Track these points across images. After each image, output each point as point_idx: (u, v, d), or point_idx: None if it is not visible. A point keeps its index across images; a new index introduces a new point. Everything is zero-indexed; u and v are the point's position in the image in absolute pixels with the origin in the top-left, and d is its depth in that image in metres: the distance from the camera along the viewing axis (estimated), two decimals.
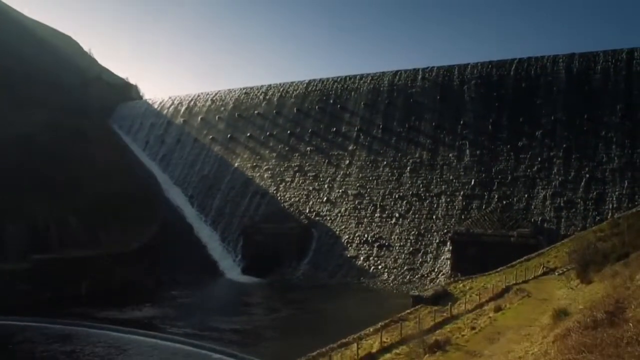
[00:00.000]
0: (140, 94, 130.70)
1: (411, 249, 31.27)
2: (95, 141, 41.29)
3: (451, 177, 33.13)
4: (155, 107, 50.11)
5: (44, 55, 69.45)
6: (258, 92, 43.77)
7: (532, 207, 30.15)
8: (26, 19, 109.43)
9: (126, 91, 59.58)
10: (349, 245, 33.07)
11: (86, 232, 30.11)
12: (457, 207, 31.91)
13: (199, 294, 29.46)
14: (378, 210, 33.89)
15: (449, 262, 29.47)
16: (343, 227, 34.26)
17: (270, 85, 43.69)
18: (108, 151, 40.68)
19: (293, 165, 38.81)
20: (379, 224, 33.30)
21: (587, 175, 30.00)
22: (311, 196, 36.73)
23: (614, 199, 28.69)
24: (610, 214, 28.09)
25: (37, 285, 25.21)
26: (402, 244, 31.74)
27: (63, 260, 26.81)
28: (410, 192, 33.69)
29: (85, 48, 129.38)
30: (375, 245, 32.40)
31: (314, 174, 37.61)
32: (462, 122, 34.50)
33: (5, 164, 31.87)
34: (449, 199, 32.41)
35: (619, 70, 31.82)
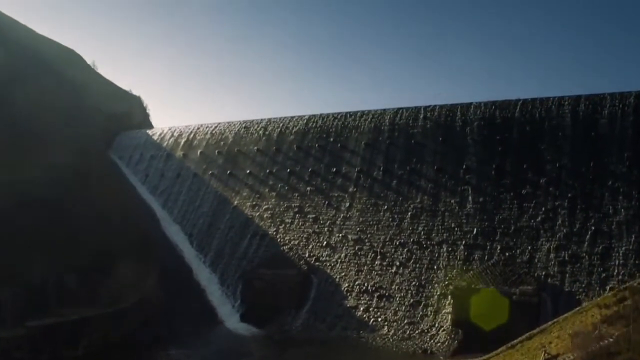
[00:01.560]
0: (144, 105, 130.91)
1: (412, 300, 31.28)
2: (95, 180, 41.77)
3: (453, 225, 33.01)
4: (155, 138, 50.56)
5: (46, 78, 70.03)
6: (258, 126, 43.93)
7: (536, 260, 29.99)
8: (26, 33, 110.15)
9: (127, 119, 59.90)
10: (348, 294, 33.16)
11: (84, 289, 30.53)
12: (458, 257, 31.82)
13: (196, 353, 29.67)
14: (378, 257, 33.94)
15: (449, 316, 29.46)
16: (343, 274, 34.35)
17: (270, 119, 43.83)
18: (108, 191, 41.11)
19: (293, 205, 38.93)
20: (379, 272, 33.35)
21: (593, 228, 29.73)
22: (311, 239, 36.84)
23: (620, 254, 28.43)
24: (616, 271, 27.97)
25: (33, 352, 25.62)
26: (402, 294, 31.76)
27: (60, 323, 27.17)
28: (412, 239, 33.66)
29: (89, 60, 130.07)
30: (376, 295, 32.45)
31: (314, 215, 37.70)
32: (464, 166, 34.35)
33: (0, 219, 32.33)
34: (450, 248, 32.34)
35: (626, 115, 31.44)
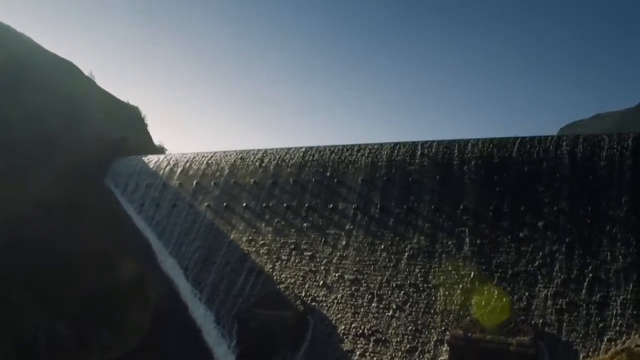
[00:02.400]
0: (142, 115, 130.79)
1: (408, 346, 31.43)
2: (89, 215, 42.02)
3: (450, 268, 33.13)
4: (151, 166, 50.77)
5: (39, 94, 70.16)
6: (254, 157, 44.07)
7: (533, 307, 30.11)
8: (23, 44, 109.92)
9: (123, 144, 60.05)
10: (345, 338, 33.34)
11: (77, 338, 30.84)
12: (455, 302, 31.95)
13: None
14: (375, 299, 34.08)
15: None
16: (339, 315, 34.51)
17: (266, 151, 44.01)
18: (103, 225, 41.36)
19: (289, 242, 39.10)
20: (376, 315, 33.48)
21: (591, 275, 29.82)
22: (307, 278, 37.00)
23: (618, 303, 28.53)
24: (613, 321, 28.08)
25: None
26: (399, 339, 31.91)
27: None
28: (408, 282, 33.78)
29: (86, 71, 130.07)
30: (372, 339, 32.62)
31: (310, 253, 37.87)
32: (461, 206, 34.45)
33: None
34: (447, 292, 32.45)
35: (625, 158, 31.47)
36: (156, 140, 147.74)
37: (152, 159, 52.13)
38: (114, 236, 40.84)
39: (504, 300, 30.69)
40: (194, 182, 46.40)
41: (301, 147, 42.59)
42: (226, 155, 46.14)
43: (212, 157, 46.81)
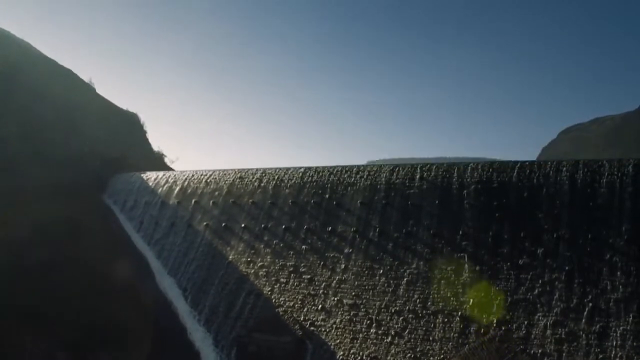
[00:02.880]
0: (142, 122, 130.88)
1: None
2: (88, 237, 41.89)
3: (449, 294, 33.01)
4: (150, 184, 50.70)
5: (41, 107, 70.12)
6: (253, 177, 43.98)
7: (532, 336, 29.99)
8: (23, 51, 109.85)
9: (122, 160, 59.94)
10: None
11: None
12: (454, 329, 31.83)
13: None
14: (374, 325, 34.01)
15: None
16: (338, 341, 34.43)
17: (264, 170, 43.93)
18: (102, 246, 41.27)
19: (288, 264, 39.02)
20: (375, 341, 33.41)
21: (590, 304, 29.67)
22: (306, 302, 36.91)
23: (618, 334, 28.41)
24: (613, 353, 27.95)
25: None
26: None
27: None
28: (407, 308, 33.67)
29: (85, 78, 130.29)
30: None
31: (309, 276, 37.77)
32: (461, 232, 34.35)
33: None
34: (446, 319, 32.33)
35: (625, 186, 31.32)
36: (155, 147, 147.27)
37: (150, 176, 52.03)
38: (113, 259, 40.72)
39: (503, 328, 30.57)
40: (193, 201, 46.31)
41: (300, 168, 42.48)
42: (225, 174, 46.02)
43: (210, 175, 46.70)
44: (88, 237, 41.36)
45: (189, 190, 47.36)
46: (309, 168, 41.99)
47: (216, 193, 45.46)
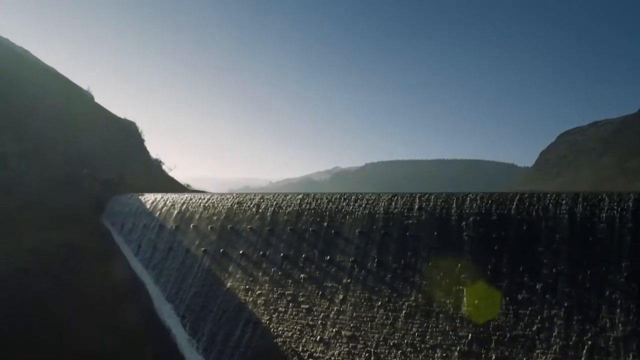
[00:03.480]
0: (140, 130, 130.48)
1: None
2: (88, 262, 41.72)
3: (447, 328, 32.85)
4: (148, 206, 50.53)
5: (37, 129, 69.99)
6: (250, 203, 43.82)
7: None
8: (21, 61, 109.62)
9: (119, 182, 59.76)
10: None
11: None
12: None
13: None
14: (372, 358, 33.77)
15: None
16: None
17: (262, 196, 43.83)
18: (100, 272, 41.08)
19: (286, 293, 38.86)
20: None
21: (590, 342, 29.54)
22: (305, 332, 36.77)
23: None
24: None
25: None
26: None
27: None
28: (405, 341, 33.50)
29: (84, 85, 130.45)
30: None
31: (307, 306, 37.60)
32: (459, 265, 34.11)
33: None
34: (444, 354, 32.21)
35: (625, 221, 31.13)
36: (154, 154, 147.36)
37: (148, 199, 51.85)
38: (112, 287, 40.59)
39: None
40: (191, 226, 46.15)
41: (298, 194, 42.32)
42: (223, 198, 45.85)
43: (208, 200, 46.54)
44: (87, 264, 41.24)
45: (187, 215, 47.20)
46: (307, 195, 41.84)
47: (214, 218, 45.30)
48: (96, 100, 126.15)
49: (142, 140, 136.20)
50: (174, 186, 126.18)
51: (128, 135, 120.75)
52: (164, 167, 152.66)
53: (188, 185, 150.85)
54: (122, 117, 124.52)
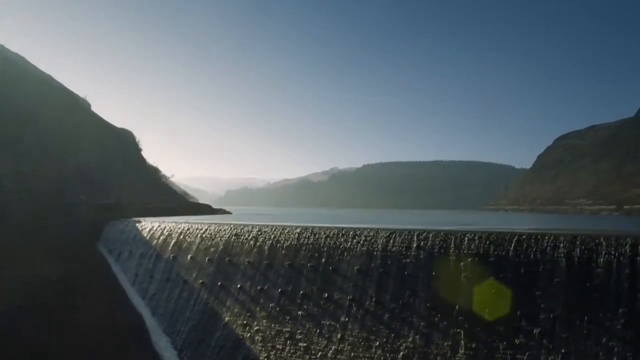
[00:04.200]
0: (137, 140, 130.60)
1: None
2: (83, 294, 41.62)
3: None
4: (145, 234, 50.51)
5: (32, 148, 69.74)
6: (248, 235, 43.96)
7: None
8: (16, 69, 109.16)
9: (114, 209, 59.63)
10: None
11: None
12: None
13: None
14: None
15: None
16: None
17: (260, 229, 43.93)
18: (96, 307, 40.97)
19: (284, 330, 38.95)
20: None
21: None
22: None
23: None
24: None
25: None
26: None
27: None
28: None
29: (81, 93, 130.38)
30: None
31: (305, 344, 37.70)
32: (457, 307, 34.19)
33: None
34: None
35: (622, 266, 31.40)
36: (151, 161, 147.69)
37: (145, 226, 51.79)
38: (109, 320, 40.50)
39: None
40: (188, 257, 46.19)
41: (296, 228, 42.38)
42: (220, 230, 45.87)
43: (205, 230, 46.55)
44: (83, 299, 41.18)
45: (185, 245, 47.22)
46: (305, 229, 41.91)
47: (212, 249, 45.33)
48: (94, 103, 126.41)
49: (140, 150, 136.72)
50: (172, 195, 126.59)
51: (125, 145, 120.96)
52: (161, 175, 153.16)
53: (185, 194, 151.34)
54: (120, 122, 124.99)
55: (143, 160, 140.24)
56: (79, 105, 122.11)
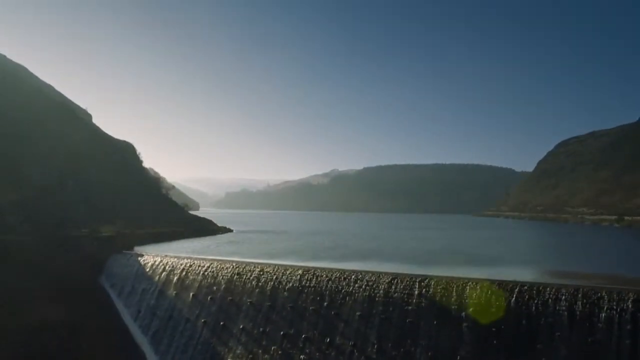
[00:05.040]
0: (138, 152, 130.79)
1: None
2: (87, 335, 41.80)
3: None
4: (147, 269, 50.71)
5: (31, 172, 69.70)
6: (250, 275, 44.17)
7: None
8: (16, 81, 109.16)
9: (116, 241, 59.69)
10: None
11: None
12: None
13: None
14: None
15: None
16: None
17: (262, 268, 44.10)
18: (102, 348, 41.03)
19: None
20: None
21: None
22: None
23: None
24: None
25: None
26: None
27: None
28: None
29: (83, 105, 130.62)
30: None
31: None
32: (458, 357, 34.32)
33: None
34: None
35: (624, 323, 31.55)
36: (151, 168, 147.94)
37: (147, 261, 51.96)
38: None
39: None
40: (191, 295, 46.36)
41: (298, 269, 42.50)
42: (222, 268, 46.08)
43: (208, 267, 46.74)
44: (87, 341, 41.29)
45: (187, 282, 47.38)
46: (307, 270, 42.08)
47: (214, 288, 45.50)
48: (94, 107, 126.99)
49: (140, 162, 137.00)
50: (173, 209, 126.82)
51: (126, 160, 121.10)
52: (163, 184, 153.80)
53: (186, 205, 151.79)
54: (121, 126, 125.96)
55: (144, 173, 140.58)
56: (80, 119, 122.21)
